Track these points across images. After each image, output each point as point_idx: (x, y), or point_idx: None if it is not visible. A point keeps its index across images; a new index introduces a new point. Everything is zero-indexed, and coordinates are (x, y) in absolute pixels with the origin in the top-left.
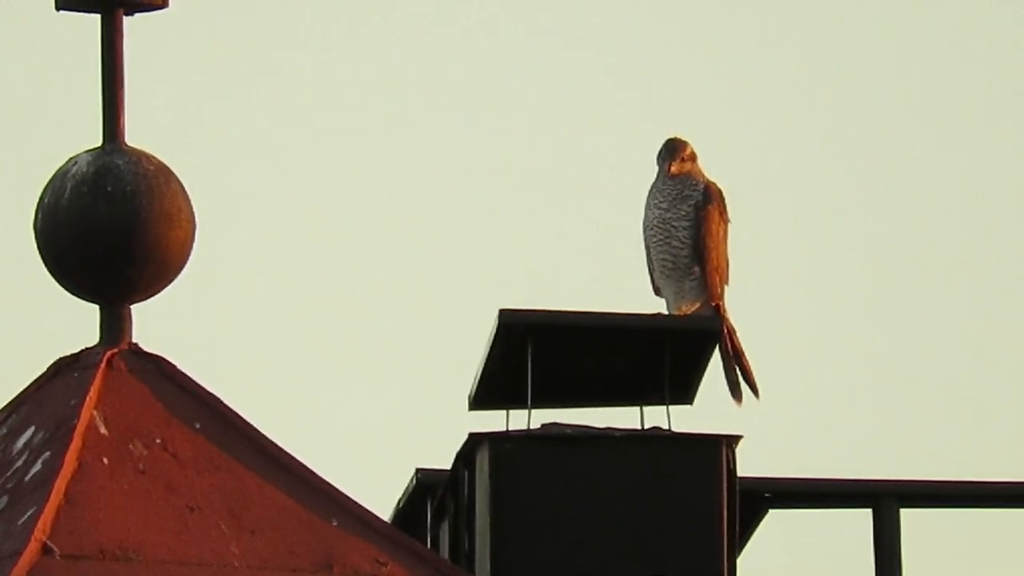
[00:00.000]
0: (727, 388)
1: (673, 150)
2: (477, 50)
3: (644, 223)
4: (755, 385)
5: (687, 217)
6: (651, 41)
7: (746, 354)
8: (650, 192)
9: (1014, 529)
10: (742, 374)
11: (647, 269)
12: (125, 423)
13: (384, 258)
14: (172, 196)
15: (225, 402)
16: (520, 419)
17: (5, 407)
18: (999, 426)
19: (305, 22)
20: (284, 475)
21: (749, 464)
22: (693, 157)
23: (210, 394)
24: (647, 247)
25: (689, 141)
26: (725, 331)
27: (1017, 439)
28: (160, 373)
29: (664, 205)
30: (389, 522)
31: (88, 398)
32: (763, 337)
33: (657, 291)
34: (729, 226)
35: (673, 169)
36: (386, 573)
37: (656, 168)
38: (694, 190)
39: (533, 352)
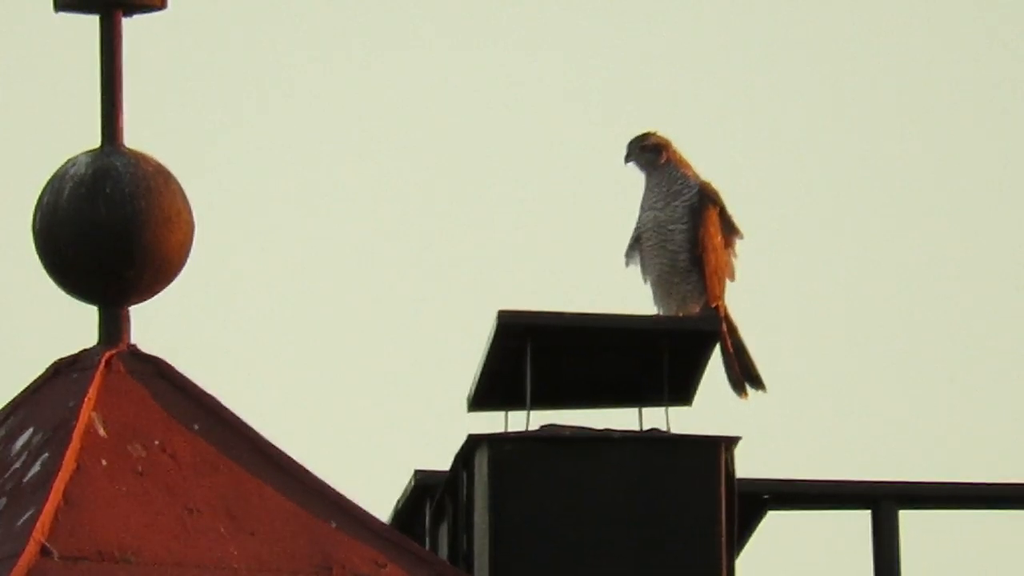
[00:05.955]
0: (728, 387)
1: (645, 147)
2: (477, 51)
3: (637, 226)
4: (760, 380)
5: (682, 220)
6: (650, 41)
7: (748, 350)
8: (643, 196)
9: (1014, 531)
10: (746, 370)
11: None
12: (124, 425)
13: (383, 259)
14: (171, 197)
15: (224, 404)
16: (519, 420)
17: (4, 408)
18: (999, 427)
19: (303, 23)
20: (283, 477)
21: (748, 466)
22: (657, 146)
23: (209, 396)
24: (641, 251)
25: (654, 132)
26: (724, 330)
27: (1017, 440)
28: (159, 375)
29: (659, 205)
30: (388, 524)
31: (87, 399)
32: (761, 338)
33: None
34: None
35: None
36: (385, 575)
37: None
38: (684, 186)
39: (532, 353)
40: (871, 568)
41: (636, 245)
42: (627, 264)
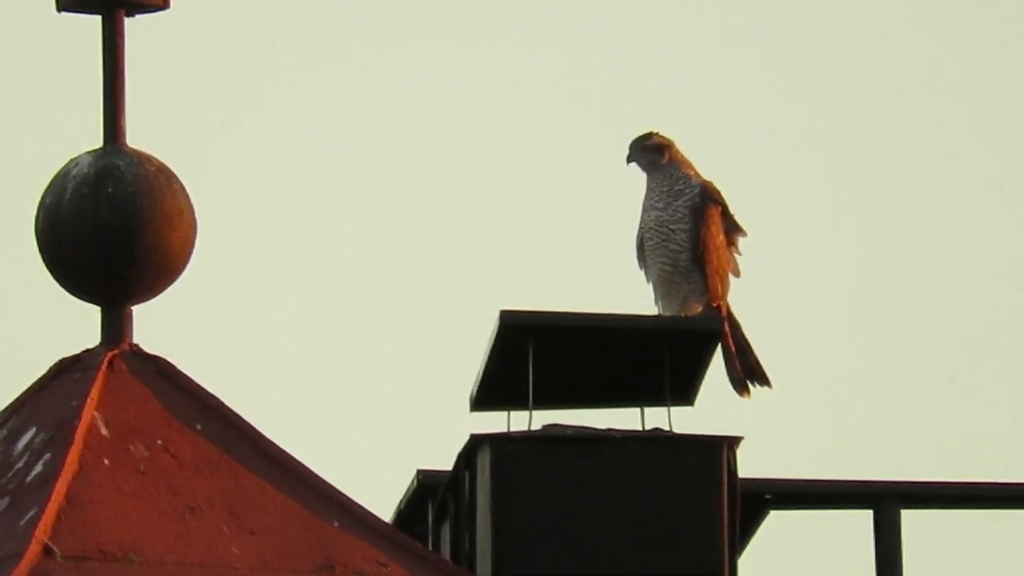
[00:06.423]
0: (730, 388)
1: (647, 147)
2: (477, 51)
3: (640, 227)
4: (766, 377)
5: (684, 219)
6: (650, 41)
7: (752, 347)
8: (645, 197)
9: (1015, 530)
10: (750, 368)
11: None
12: (126, 424)
13: (383, 259)
14: (173, 197)
15: (226, 403)
16: (521, 420)
17: (6, 408)
18: (999, 426)
19: (303, 23)
20: (285, 476)
21: (750, 465)
22: (659, 146)
23: (211, 395)
24: (643, 251)
25: (656, 132)
26: (726, 329)
27: (1017, 439)
28: (161, 374)
29: (660, 205)
30: (390, 523)
31: (89, 399)
32: (763, 337)
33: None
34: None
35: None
36: (387, 574)
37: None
38: (686, 186)
39: (534, 353)
40: (873, 568)
41: (642, 246)
42: (640, 267)
